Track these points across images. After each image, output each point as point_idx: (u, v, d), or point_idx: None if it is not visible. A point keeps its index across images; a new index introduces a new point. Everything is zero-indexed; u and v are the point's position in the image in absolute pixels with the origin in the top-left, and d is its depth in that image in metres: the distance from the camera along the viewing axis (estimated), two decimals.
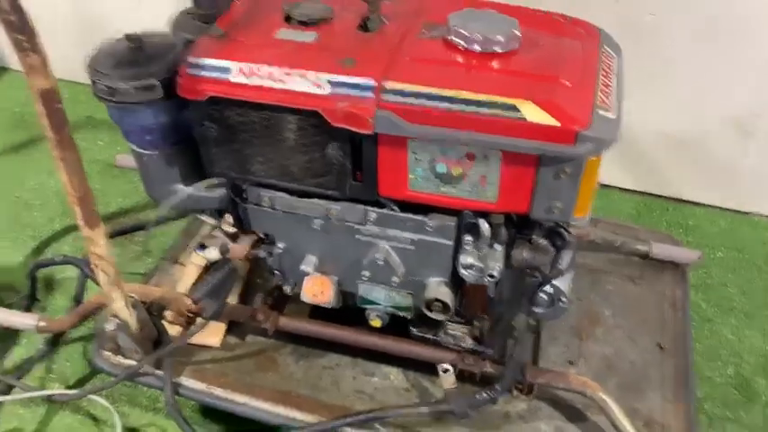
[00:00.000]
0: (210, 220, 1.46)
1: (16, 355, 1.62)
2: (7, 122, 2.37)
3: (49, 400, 1.45)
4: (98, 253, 1.14)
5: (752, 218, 2.07)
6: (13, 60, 2.63)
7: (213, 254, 1.35)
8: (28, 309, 1.65)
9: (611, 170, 2.12)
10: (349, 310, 1.31)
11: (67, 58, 2.47)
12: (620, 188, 2.16)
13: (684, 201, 2.14)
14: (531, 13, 1.11)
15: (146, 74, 1.05)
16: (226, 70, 1.01)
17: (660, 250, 1.59)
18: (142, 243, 1.81)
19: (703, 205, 2.12)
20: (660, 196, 2.15)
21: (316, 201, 1.12)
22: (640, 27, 1.76)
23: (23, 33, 0.88)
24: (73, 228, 1.97)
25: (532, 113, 0.91)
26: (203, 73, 1.02)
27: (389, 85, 0.96)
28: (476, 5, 1.07)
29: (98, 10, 2.36)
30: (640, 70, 1.87)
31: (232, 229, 1.32)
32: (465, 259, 1.08)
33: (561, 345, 1.41)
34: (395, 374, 1.35)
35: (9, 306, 1.57)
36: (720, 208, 2.10)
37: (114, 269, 1.18)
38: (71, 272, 1.77)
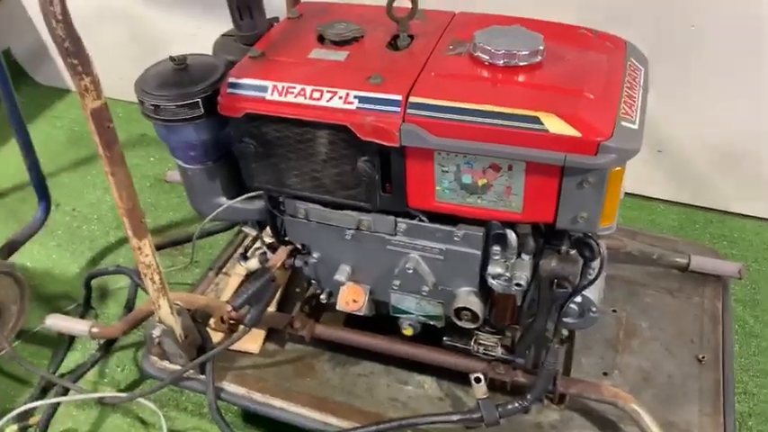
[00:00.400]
0: (252, 232, 1.53)
1: (71, 359, 1.71)
2: (67, 140, 2.51)
3: (101, 402, 1.53)
4: (146, 262, 1.21)
5: None
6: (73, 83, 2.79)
7: (253, 263, 1.41)
8: (82, 316, 1.75)
9: (653, 182, 2.10)
10: (383, 319, 1.34)
11: (124, 79, 2.62)
12: (662, 200, 2.14)
13: (728, 213, 2.10)
14: (559, 27, 1.13)
15: (188, 93, 1.12)
16: (262, 89, 1.07)
17: (699, 263, 1.57)
18: (190, 254, 1.89)
19: (748, 217, 2.07)
20: (703, 208, 2.12)
21: (348, 212, 1.17)
22: (683, 39, 1.75)
23: (77, 58, 0.96)
24: (125, 240, 2.07)
25: (555, 125, 0.93)
26: (241, 92, 1.08)
27: (414, 99, 1.00)
28: (504, 22, 1.10)
29: (159, 36, 2.49)
30: (684, 82, 1.86)
31: (270, 240, 1.39)
32: (493, 269, 1.11)
33: (596, 356, 1.41)
34: (428, 383, 1.37)
35: (65, 313, 1.67)
36: (766, 220, 2.05)
37: (161, 278, 1.24)
38: (123, 281, 1.87)
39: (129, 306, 1.68)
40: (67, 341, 1.71)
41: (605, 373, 1.38)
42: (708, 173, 2.05)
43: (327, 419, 1.30)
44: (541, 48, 1.02)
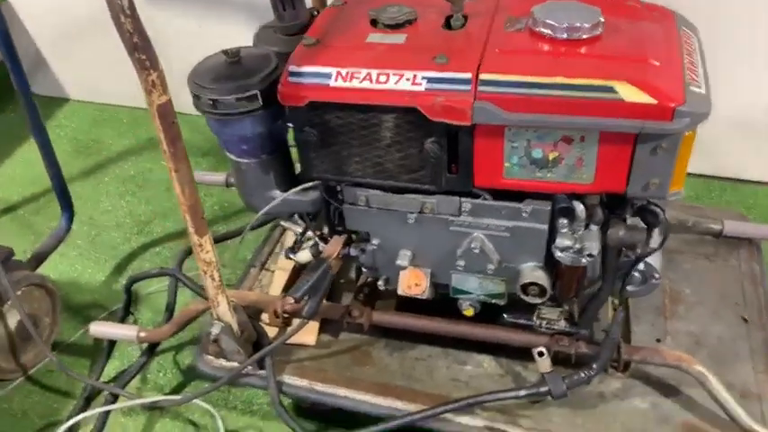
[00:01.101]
0: (293, 226, 1.52)
1: (111, 368, 1.69)
2: (73, 149, 2.46)
3: (155, 407, 1.52)
4: (206, 259, 1.20)
5: None
6: (73, 91, 2.74)
7: (305, 256, 1.40)
8: (122, 322, 1.72)
9: None
10: (433, 302, 1.34)
11: (128, 85, 2.59)
12: None
13: (742, 180, 2.14)
14: (607, 0, 1.15)
15: (246, 86, 1.11)
16: (325, 76, 1.06)
17: (733, 227, 1.60)
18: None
19: (761, 183, 2.13)
20: (717, 177, 2.16)
21: (411, 196, 1.17)
22: (698, 10, 1.79)
23: (146, 53, 0.95)
24: (149, 245, 2.05)
25: (629, 93, 0.95)
26: (304, 80, 1.07)
27: (484, 76, 1.01)
28: None
29: (159, 37, 2.45)
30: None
31: (319, 232, 1.38)
32: (562, 242, 1.12)
33: (647, 323, 1.43)
34: (487, 362, 1.38)
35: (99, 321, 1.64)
36: None
37: (220, 275, 1.24)
38: (155, 285, 1.84)
39: (170, 308, 1.66)
40: (106, 349, 1.68)
41: (658, 340, 1.40)
42: (720, 142, 2.09)
43: (394, 404, 1.30)
44: (601, 20, 1.04)
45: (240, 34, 2.25)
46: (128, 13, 0.91)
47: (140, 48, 0.94)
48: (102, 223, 2.13)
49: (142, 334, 1.48)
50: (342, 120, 1.10)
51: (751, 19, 1.81)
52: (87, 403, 1.58)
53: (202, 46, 2.42)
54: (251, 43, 1.30)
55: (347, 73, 1.05)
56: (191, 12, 2.34)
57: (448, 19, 1.14)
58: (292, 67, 1.08)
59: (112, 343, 1.67)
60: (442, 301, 1.34)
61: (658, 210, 1.11)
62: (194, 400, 1.45)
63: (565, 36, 1.03)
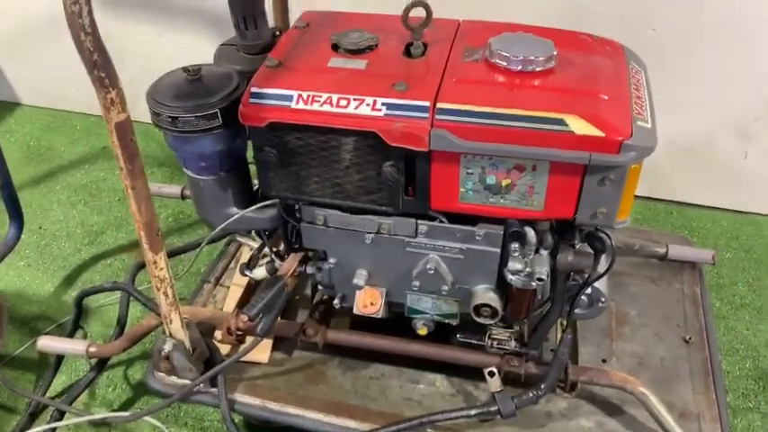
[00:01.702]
0: (249, 242, 1.53)
1: (58, 383, 1.65)
2: (23, 156, 2.41)
3: (103, 423, 1.49)
4: (160, 276, 1.19)
5: (753, 218, 2.17)
6: (25, 95, 2.68)
7: (261, 273, 1.41)
8: (71, 336, 1.68)
9: None
10: (387, 321, 1.36)
11: (81, 91, 2.54)
12: None
13: (687, 204, 2.23)
14: (560, 33, 1.19)
15: (207, 104, 1.11)
16: (287, 98, 1.07)
17: (677, 251, 1.67)
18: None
19: (705, 207, 2.22)
20: (663, 200, 2.25)
21: (368, 216, 1.19)
22: (644, 41, 1.87)
23: (105, 71, 0.94)
24: (100, 256, 2.02)
25: (579, 126, 0.99)
26: (265, 101, 1.08)
27: (442, 105, 1.03)
28: (509, 30, 1.16)
29: (117, 46, 2.42)
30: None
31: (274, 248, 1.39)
32: (513, 265, 1.15)
33: (594, 344, 1.48)
34: (440, 381, 1.41)
35: (45, 335, 1.61)
36: (722, 209, 2.20)
37: (174, 292, 1.23)
38: (105, 299, 1.81)
39: (122, 323, 1.64)
40: (54, 363, 1.64)
41: (604, 360, 1.45)
42: (666, 166, 2.18)
43: (346, 423, 1.31)
44: (555, 53, 1.08)
45: (199, 45, 2.26)
46: (88, 31, 0.90)
47: (100, 66, 0.93)
48: (53, 233, 2.09)
49: (92, 349, 1.45)
50: (302, 141, 1.11)
51: (696, 47, 1.90)
52: (32, 420, 1.54)
53: (162, 57, 2.41)
54: (210, 55, 1.30)
55: (308, 96, 1.07)
56: (151, 21, 2.32)
57: (408, 46, 1.16)
58: (254, 89, 1.09)
59: (60, 357, 1.64)
60: (396, 320, 1.36)
61: (606, 236, 1.15)
62: (147, 417, 1.43)
63: (519, 68, 1.07)
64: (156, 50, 2.33)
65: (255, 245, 1.50)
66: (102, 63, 0.93)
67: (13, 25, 2.48)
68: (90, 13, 0.90)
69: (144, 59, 2.32)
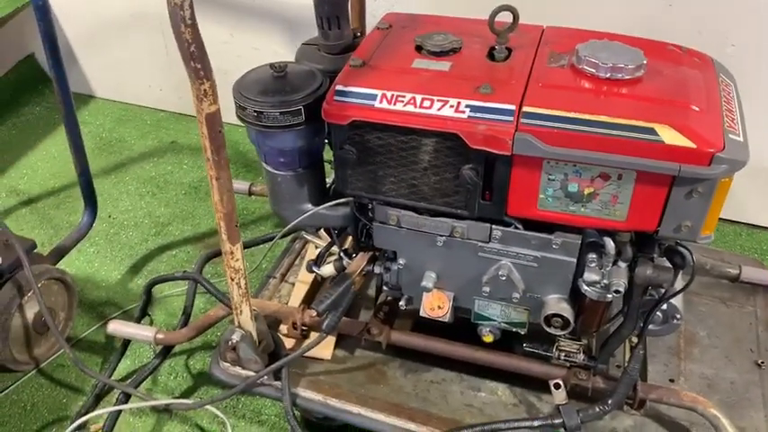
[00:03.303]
0: (316, 240, 1.54)
1: (122, 367, 1.69)
2: (96, 147, 2.49)
3: (166, 409, 1.52)
4: (235, 267, 1.21)
5: None
6: (99, 89, 2.77)
7: (328, 270, 1.42)
8: (138, 322, 1.73)
9: None
10: (450, 325, 1.35)
11: (153, 87, 2.62)
12: None
13: (757, 226, 2.16)
14: (648, 43, 1.17)
15: (292, 101, 1.13)
16: (370, 97, 1.08)
17: (750, 273, 1.61)
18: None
19: None
20: (732, 221, 2.18)
21: (442, 219, 1.18)
22: (723, 57, 1.82)
23: (201, 63, 0.97)
24: (166, 247, 2.07)
25: (670, 136, 0.97)
26: (349, 99, 1.10)
27: (528, 109, 1.03)
28: (595, 37, 1.14)
29: None
30: None
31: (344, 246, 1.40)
32: (589, 276, 1.13)
33: (661, 363, 1.44)
34: (501, 390, 1.39)
35: (111, 320, 1.65)
36: None
37: (246, 282, 1.25)
38: (168, 289, 1.86)
39: (187, 312, 1.67)
40: (120, 348, 1.69)
41: (671, 380, 1.41)
42: (736, 187, 2.10)
43: (407, 425, 1.30)
44: (644, 62, 1.06)
45: (270, 45, 2.31)
46: (189, 23, 0.93)
47: (197, 57, 0.96)
48: (121, 222, 2.15)
49: (160, 336, 1.48)
50: (382, 140, 1.12)
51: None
52: (97, 401, 1.59)
53: (234, 55, 2.46)
54: (281, 55, 1.32)
55: (392, 96, 1.08)
56: (224, 20, 2.38)
57: (491, 50, 1.16)
58: (339, 87, 1.11)
59: (127, 342, 1.68)
60: (459, 325, 1.35)
61: (686, 251, 1.12)
62: (208, 406, 1.46)
63: (608, 75, 1.06)
64: (228, 49, 2.38)
65: (322, 243, 1.52)
66: (199, 55, 0.96)
67: (91, 22, 2.58)
68: (191, 5, 0.93)
69: (215, 58, 2.38)
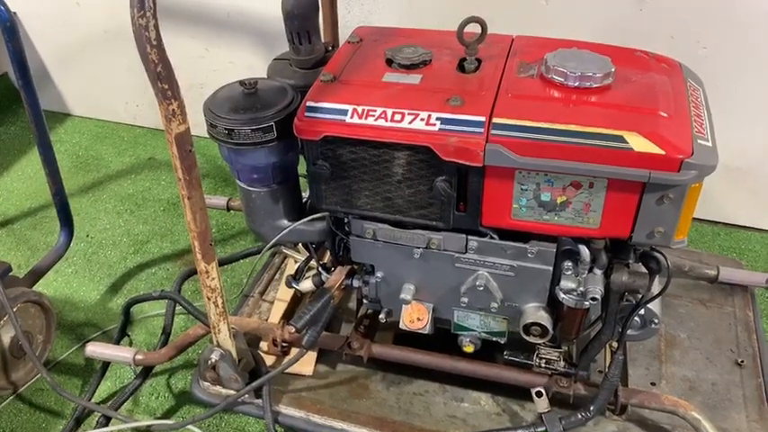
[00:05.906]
0: (296, 254, 1.54)
1: (102, 389, 1.67)
2: (72, 165, 2.46)
3: (147, 430, 1.50)
4: (211, 286, 1.20)
5: None
6: (75, 107, 2.75)
7: (307, 285, 1.41)
8: (117, 343, 1.71)
9: None
10: (431, 336, 1.35)
11: (130, 103, 2.60)
12: None
13: (735, 225, 2.18)
14: (616, 50, 1.18)
15: (263, 117, 1.13)
16: (341, 112, 1.08)
17: (728, 274, 1.63)
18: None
19: (754, 229, 2.16)
20: (710, 221, 2.20)
21: (418, 231, 1.18)
22: (694, 60, 1.84)
23: (168, 83, 0.96)
24: (145, 265, 2.04)
25: (639, 144, 0.97)
26: (320, 115, 1.09)
27: (498, 120, 1.03)
28: (564, 46, 1.15)
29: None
30: None
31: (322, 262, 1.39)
32: (566, 284, 1.14)
33: (642, 367, 1.45)
34: (484, 399, 1.39)
35: (90, 341, 1.63)
36: None
37: (223, 301, 1.24)
38: (149, 308, 1.84)
39: (167, 331, 1.65)
40: (100, 370, 1.66)
41: (653, 383, 1.42)
42: (713, 187, 2.13)
43: None
44: (612, 70, 1.07)
45: (245, 59, 2.30)
46: (154, 44, 0.92)
47: (164, 78, 0.95)
48: (99, 241, 2.12)
49: (139, 356, 1.47)
50: (355, 155, 1.11)
51: (745, 66, 1.86)
52: (77, 424, 1.56)
53: (209, 70, 2.45)
54: (257, 70, 1.32)
55: (363, 110, 1.07)
56: (199, 35, 2.37)
57: (461, 62, 1.16)
58: (310, 103, 1.10)
59: (106, 364, 1.66)
60: (439, 336, 1.35)
61: (661, 256, 1.13)
62: (190, 426, 1.44)
63: (576, 84, 1.06)
64: (204, 63, 2.37)
65: (300, 257, 1.51)
66: (166, 75, 0.95)
67: (65, 40, 2.56)
68: (156, 26, 0.92)
69: (191, 73, 2.37)
